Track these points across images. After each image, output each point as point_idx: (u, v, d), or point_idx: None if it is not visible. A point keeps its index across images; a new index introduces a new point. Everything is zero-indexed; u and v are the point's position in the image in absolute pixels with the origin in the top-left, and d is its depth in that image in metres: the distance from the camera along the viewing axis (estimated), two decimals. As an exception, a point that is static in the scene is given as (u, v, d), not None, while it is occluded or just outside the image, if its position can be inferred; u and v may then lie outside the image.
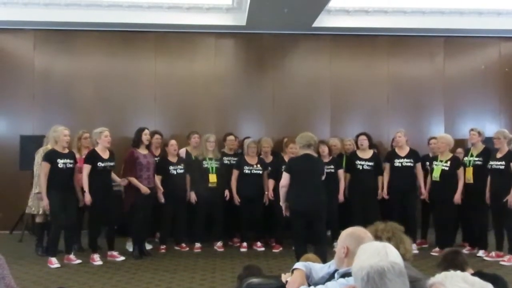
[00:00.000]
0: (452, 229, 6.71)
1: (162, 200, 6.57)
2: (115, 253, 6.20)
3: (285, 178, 5.42)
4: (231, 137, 7.38)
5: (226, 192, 6.91)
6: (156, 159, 6.72)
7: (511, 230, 6.15)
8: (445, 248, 6.39)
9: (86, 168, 6.00)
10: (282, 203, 5.51)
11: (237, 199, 6.86)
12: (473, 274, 2.93)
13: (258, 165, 6.91)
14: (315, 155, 5.79)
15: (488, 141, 6.89)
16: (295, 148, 6.71)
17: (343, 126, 8.44)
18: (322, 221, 5.48)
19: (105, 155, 6.12)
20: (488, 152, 6.54)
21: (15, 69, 8.15)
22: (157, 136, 7.02)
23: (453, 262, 3.30)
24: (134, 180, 6.20)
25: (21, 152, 7.41)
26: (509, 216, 6.10)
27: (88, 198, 5.95)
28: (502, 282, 3.13)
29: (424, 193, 6.76)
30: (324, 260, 3.37)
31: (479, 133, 6.63)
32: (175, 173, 6.73)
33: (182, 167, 6.80)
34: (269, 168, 6.94)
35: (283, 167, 6.61)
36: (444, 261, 3.38)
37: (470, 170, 6.51)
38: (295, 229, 5.50)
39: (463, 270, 3.01)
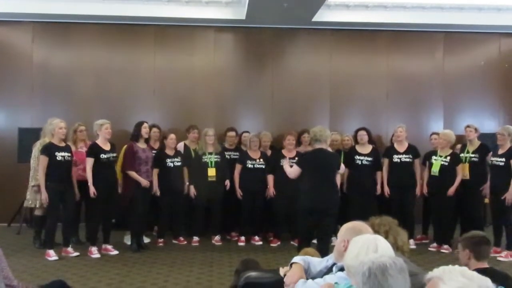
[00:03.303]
0: (450, 225, 6.70)
1: (158, 193, 6.52)
2: (109, 246, 6.19)
3: (294, 169, 5.29)
4: (232, 133, 7.35)
5: (227, 182, 6.87)
6: (154, 152, 6.71)
7: (509, 226, 6.18)
8: (443, 244, 6.47)
9: (89, 161, 5.98)
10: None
11: (239, 193, 6.85)
12: (486, 269, 2.92)
13: (261, 160, 6.91)
14: (328, 149, 5.56)
15: (489, 137, 6.88)
16: (292, 140, 6.78)
17: (342, 121, 8.42)
18: (332, 218, 5.15)
19: (106, 147, 6.11)
20: (484, 148, 6.56)
21: (14, 62, 8.11)
22: (154, 129, 6.99)
23: (475, 247, 3.11)
24: (133, 174, 6.19)
25: (19, 144, 7.41)
26: (508, 213, 6.11)
27: (92, 190, 5.93)
28: None
29: (418, 190, 6.73)
30: (325, 255, 3.36)
31: (476, 130, 6.65)
32: (172, 165, 6.70)
33: (179, 160, 6.77)
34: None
35: (281, 160, 6.66)
36: (467, 241, 3.18)
37: (466, 166, 6.53)
38: (302, 226, 5.33)
39: (479, 259, 3.02)
